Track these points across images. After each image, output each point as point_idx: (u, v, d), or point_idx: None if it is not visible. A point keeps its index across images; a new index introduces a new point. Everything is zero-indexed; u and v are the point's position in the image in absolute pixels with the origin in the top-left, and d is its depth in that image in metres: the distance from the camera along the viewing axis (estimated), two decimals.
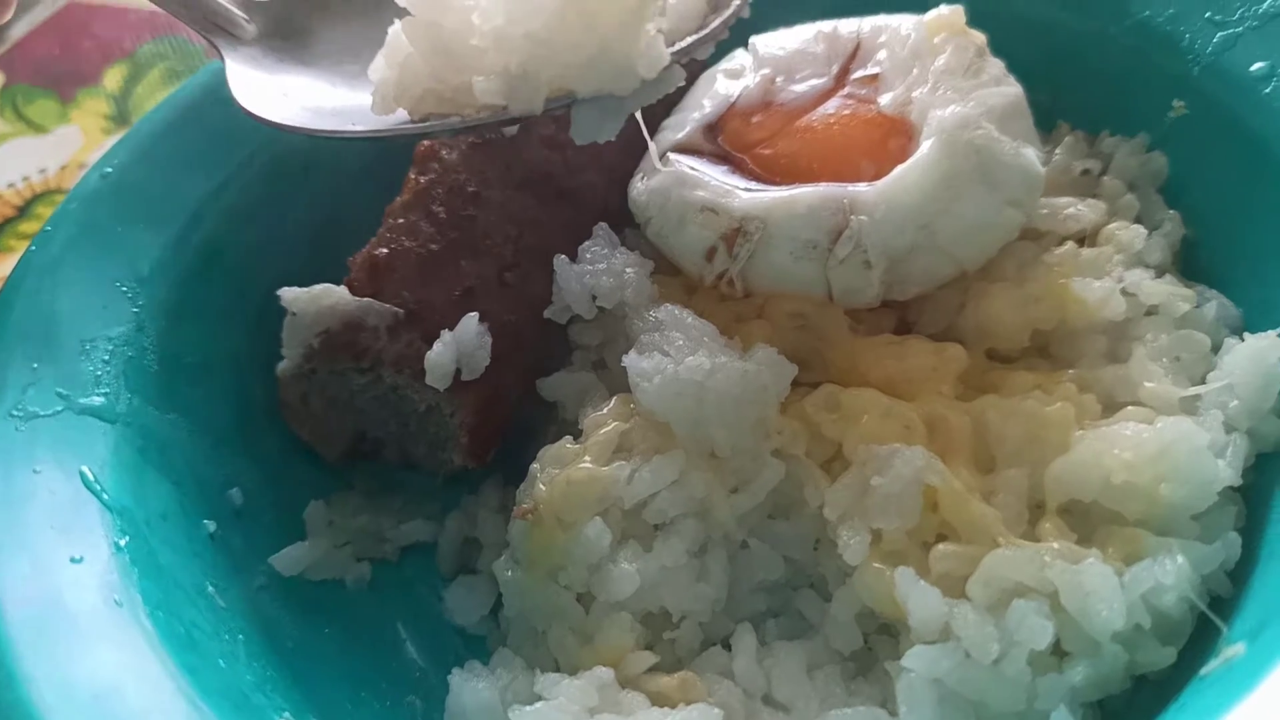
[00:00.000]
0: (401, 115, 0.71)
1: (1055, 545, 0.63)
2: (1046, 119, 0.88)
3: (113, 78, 1.43)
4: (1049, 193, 0.82)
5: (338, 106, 0.74)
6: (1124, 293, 0.74)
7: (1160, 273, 0.77)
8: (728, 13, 0.72)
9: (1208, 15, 0.80)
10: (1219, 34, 0.78)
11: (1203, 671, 0.56)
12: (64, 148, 1.34)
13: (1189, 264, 0.80)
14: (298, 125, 0.72)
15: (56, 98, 1.41)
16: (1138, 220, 0.81)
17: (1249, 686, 0.48)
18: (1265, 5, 0.77)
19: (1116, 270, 0.76)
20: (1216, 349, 0.72)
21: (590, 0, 0.64)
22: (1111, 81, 0.85)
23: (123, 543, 0.62)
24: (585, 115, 0.69)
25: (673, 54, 0.68)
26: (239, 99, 0.72)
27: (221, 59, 0.75)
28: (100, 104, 1.39)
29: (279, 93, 0.74)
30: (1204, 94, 0.79)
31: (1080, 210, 0.80)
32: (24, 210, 1.25)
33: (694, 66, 0.74)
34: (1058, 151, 0.86)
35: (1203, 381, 0.70)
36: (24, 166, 1.31)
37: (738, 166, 0.78)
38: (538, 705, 0.62)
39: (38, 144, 1.35)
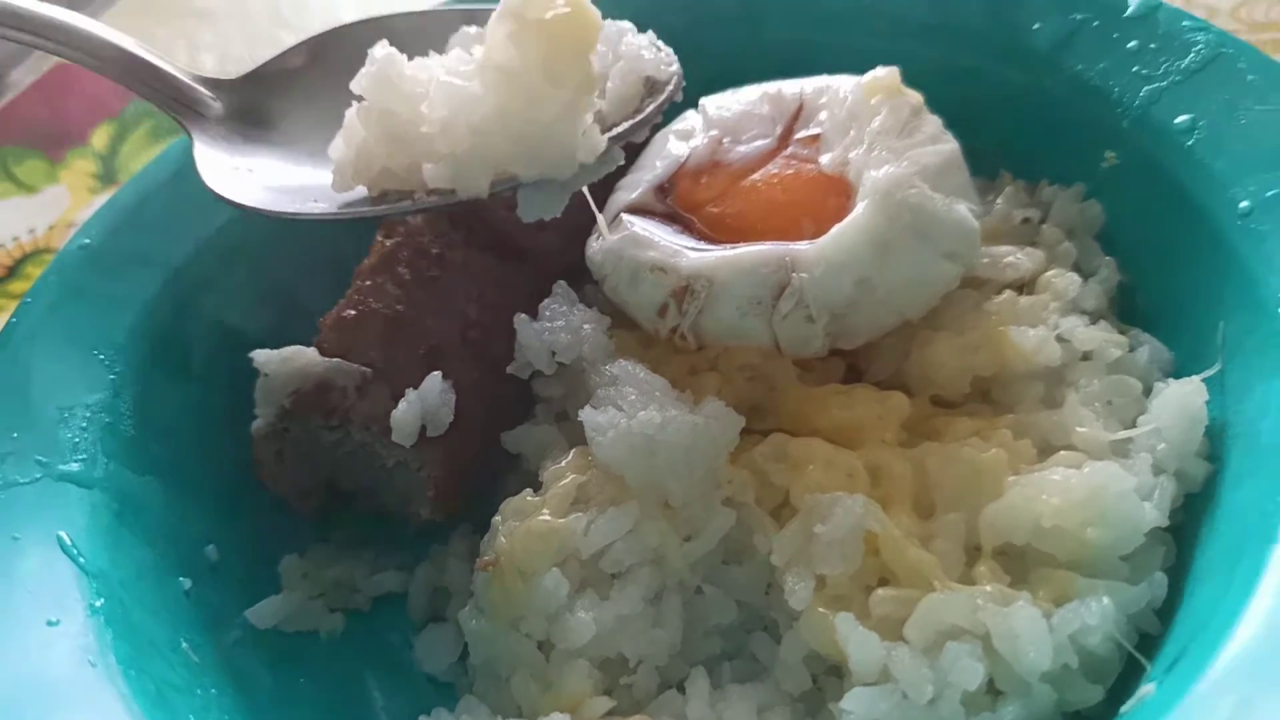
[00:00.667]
0: (360, 192, 0.75)
1: (988, 588, 0.66)
2: (990, 169, 0.92)
3: (100, 137, 1.47)
4: (991, 241, 0.86)
5: (301, 184, 0.77)
6: (1059, 339, 0.77)
7: (1096, 318, 0.80)
8: (661, 97, 0.76)
9: (1135, 69, 0.83)
10: (1146, 88, 0.82)
11: (1122, 710, 0.58)
12: (53, 207, 1.38)
13: (1125, 309, 0.83)
14: (260, 207, 0.75)
15: (45, 158, 1.45)
16: (1076, 267, 0.84)
17: None
18: (1188, 60, 0.80)
19: (1052, 317, 0.79)
20: (1149, 392, 0.75)
21: (529, 95, 0.67)
22: (1050, 133, 0.89)
23: (98, 604, 0.65)
24: (530, 197, 0.73)
25: (610, 139, 0.72)
26: (205, 178, 0.75)
27: (190, 138, 0.78)
28: (88, 163, 1.43)
29: (244, 171, 0.77)
30: (1133, 145, 0.82)
31: (1019, 259, 0.83)
32: (14, 270, 1.29)
33: (631, 146, 0.78)
34: (999, 201, 0.89)
35: (1134, 425, 0.73)
36: (14, 227, 1.35)
37: (687, 226, 0.81)
38: None
39: (27, 204, 1.39)
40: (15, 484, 0.69)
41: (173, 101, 0.79)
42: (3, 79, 1.81)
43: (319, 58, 0.84)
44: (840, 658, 0.66)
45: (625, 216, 0.83)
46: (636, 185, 0.86)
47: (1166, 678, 0.56)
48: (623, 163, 0.76)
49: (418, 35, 0.78)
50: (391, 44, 0.73)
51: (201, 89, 0.81)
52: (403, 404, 0.78)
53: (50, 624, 0.63)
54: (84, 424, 0.75)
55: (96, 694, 0.60)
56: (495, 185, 0.72)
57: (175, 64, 0.80)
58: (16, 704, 0.58)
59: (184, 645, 0.70)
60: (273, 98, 0.82)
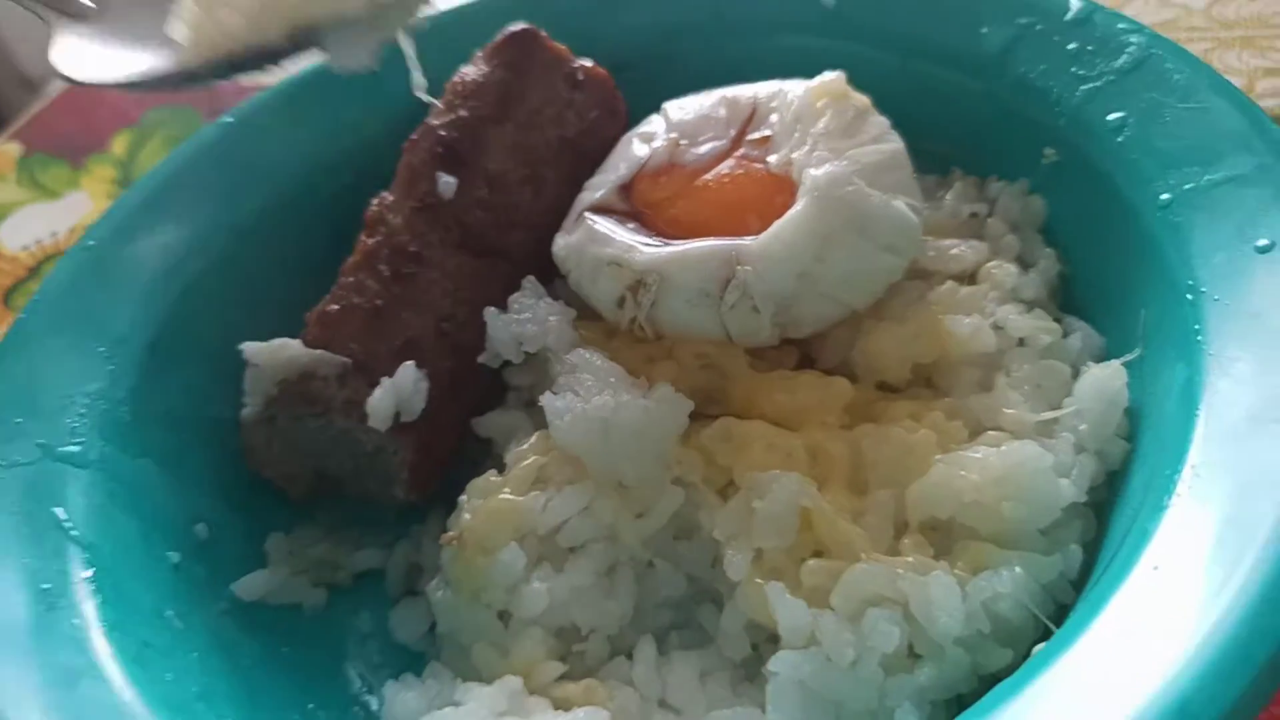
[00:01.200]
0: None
1: (910, 559, 0.70)
2: (942, 166, 0.96)
3: (120, 144, 1.55)
4: (940, 235, 0.90)
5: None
6: (994, 327, 0.81)
7: (1033, 307, 0.84)
8: None
9: (1073, 70, 0.87)
10: (1082, 87, 0.86)
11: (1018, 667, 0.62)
12: (73, 212, 1.45)
13: (1065, 297, 0.87)
14: (96, 80, 0.78)
15: (67, 165, 1.53)
16: (1018, 258, 0.88)
17: (1029, 680, 0.55)
18: (1120, 61, 0.84)
19: (990, 306, 0.83)
20: (1078, 376, 0.79)
21: None
22: (997, 132, 0.93)
23: (88, 574, 0.72)
24: (337, 45, 0.74)
25: None
26: (59, 67, 0.78)
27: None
28: (108, 170, 1.51)
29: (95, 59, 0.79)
30: (1070, 142, 0.86)
31: (963, 251, 0.88)
32: (35, 270, 1.36)
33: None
34: (948, 197, 0.93)
35: (1060, 407, 0.77)
36: (36, 230, 1.43)
37: (645, 224, 0.86)
38: (448, 709, 0.70)
39: (49, 209, 1.47)
40: (17, 464, 0.76)
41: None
42: (39, 89, 1.90)
43: None
44: (772, 625, 0.71)
45: (588, 215, 0.88)
46: (601, 185, 0.91)
47: (1055, 637, 0.60)
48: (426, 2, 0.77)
49: None
50: None
51: None
52: (378, 392, 0.84)
53: (42, 589, 0.69)
54: (83, 410, 0.81)
55: (79, 648, 0.66)
56: (297, 37, 0.73)
57: None
58: (8, 651, 0.64)
59: (169, 613, 0.75)
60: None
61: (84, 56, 0.79)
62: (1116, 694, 0.51)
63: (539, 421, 0.87)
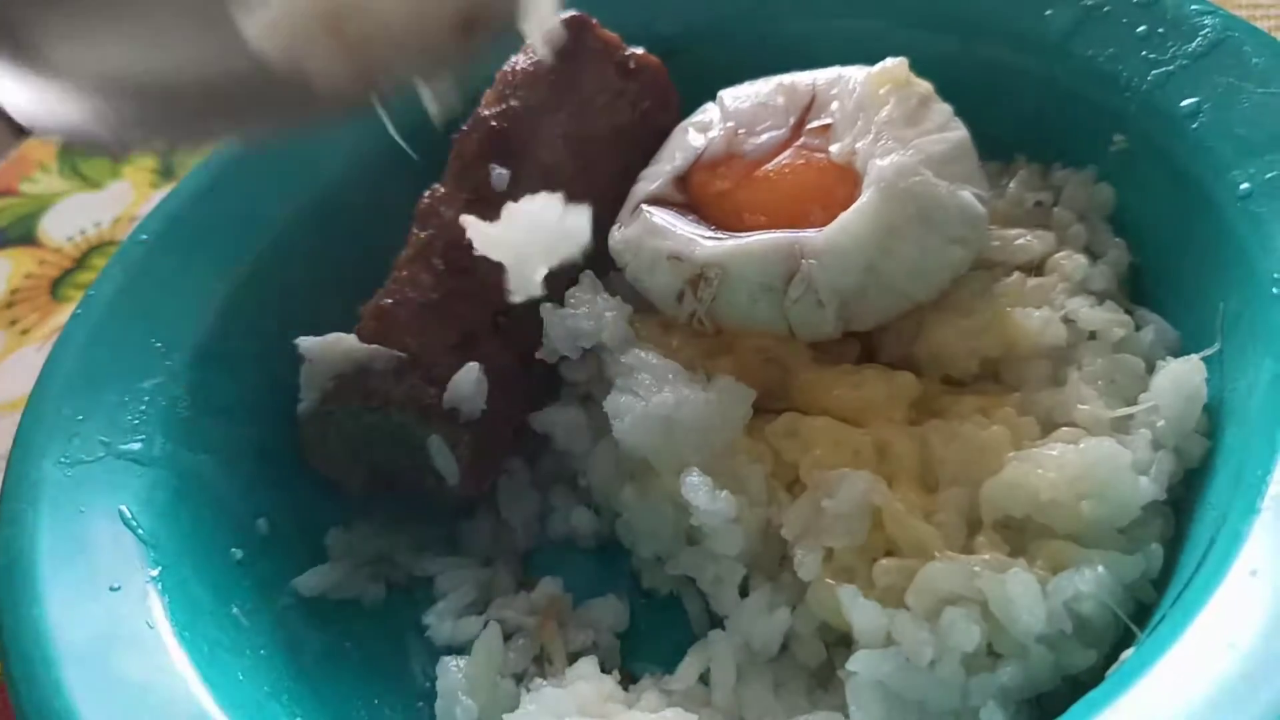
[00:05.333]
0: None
1: (986, 557, 0.69)
2: (1005, 153, 0.94)
3: None
4: (1004, 224, 0.88)
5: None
6: (1065, 320, 0.80)
7: (1103, 299, 0.82)
8: None
9: (1143, 54, 0.85)
10: (1153, 72, 0.83)
11: (1107, 672, 0.61)
12: (116, 202, 1.45)
13: (1135, 289, 0.85)
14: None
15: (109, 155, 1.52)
16: (1086, 249, 0.86)
17: (1124, 688, 0.54)
18: (1194, 44, 0.82)
19: (1059, 299, 0.81)
20: (1153, 370, 0.77)
21: None
22: (1062, 118, 0.90)
23: (155, 573, 0.71)
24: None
25: None
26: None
27: None
28: (148, 159, 1.50)
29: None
30: (1141, 129, 0.84)
31: (1029, 241, 0.86)
32: (80, 262, 1.36)
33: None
34: (1012, 185, 0.91)
35: (1136, 402, 0.75)
36: (80, 221, 1.43)
37: (703, 215, 0.85)
38: (528, 709, 0.70)
39: (92, 199, 1.46)
40: (81, 461, 0.75)
41: None
42: None
43: None
44: (846, 627, 0.70)
45: (645, 207, 0.87)
46: (656, 176, 0.89)
47: (1146, 641, 0.59)
48: None
49: None
50: None
51: None
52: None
53: (113, 589, 0.69)
54: (143, 407, 0.81)
55: (153, 651, 0.66)
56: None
57: None
58: (83, 661, 0.64)
59: (235, 610, 0.75)
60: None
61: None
62: (1222, 706, 0.50)
63: (596, 417, 0.87)
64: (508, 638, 0.81)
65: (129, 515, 0.74)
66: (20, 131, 0.74)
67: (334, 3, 0.62)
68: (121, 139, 0.66)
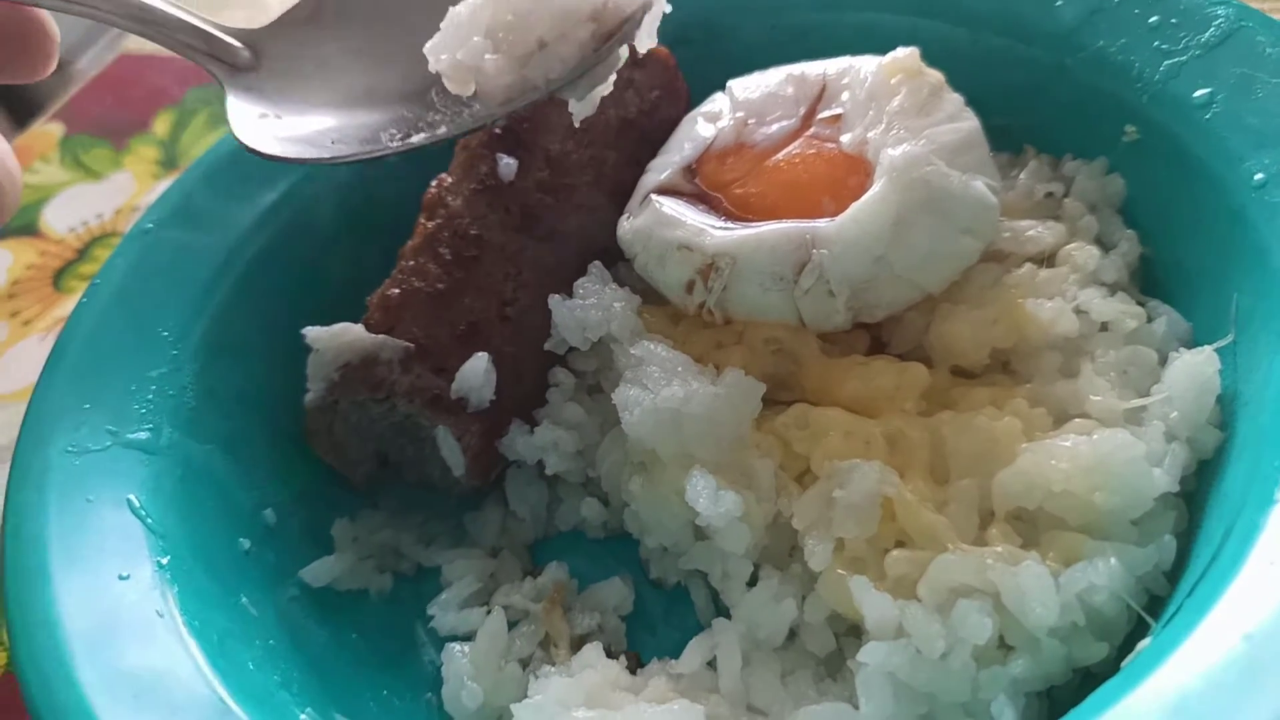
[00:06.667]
0: (382, 138, 0.79)
1: (998, 549, 0.68)
2: (1014, 144, 0.94)
3: (162, 124, 1.54)
4: (1015, 215, 0.88)
5: (324, 128, 0.80)
6: (1077, 311, 0.79)
7: (1115, 290, 0.82)
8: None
9: (1156, 45, 0.84)
10: (1165, 62, 0.83)
11: (1122, 664, 0.61)
12: (118, 193, 1.45)
13: (1147, 281, 0.85)
14: (283, 155, 0.77)
15: (110, 145, 1.52)
16: (1098, 240, 0.86)
17: (1139, 680, 0.54)
18: (1207, 34, 0.81)
19: (1071, 290, 0.81)
20: (1165, 362, 0.77)
21: None
22: (1073, 108, 0.90)
23: (164, 561, 0.71)
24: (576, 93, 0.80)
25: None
26: (234, 129, 0.78)
27: (222, 88, 0.80)
28: (150, 150, 1.50)
29: (271, 118, 0.79)
30: (1153, 120, 0.83)
31: (1040, 232, 0.85)
32: (83, 253, 1.36)
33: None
34: (1022, 176, 0.91)
35: (1149, 394, 0.75)
36: (82, 212, 1.42)
37: (713, 205, 0.85)
38: (535, 698, 0.69)
39: (94, 190, 1.46)
40: (88, 450, 0.75)
41: (203, 54, 0.79)
42: (68, 68, 1.89)
43: (331, 3, 0.86)
44: (857, 617, 0.70)
45: (654, 197, 0.86)
46: (666, 167, 0.89)
47: (1162, 633, 0.58)
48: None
49: None
50: None
51: (229, 39, 0.81)
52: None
53: (121, 578, 0.69)
54: (149, 396, 0.81)
55: (163, 639, 0.66)
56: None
57: (202, 16, 0.80)
58: (94, 648, 0.64)
59: (243, 600, 0.75)
60: (296, 44, 0.83)
61: (254, 120, 0.79)
62: (1237, 697, 0.49)
63: (603, 407, 0.86)
64: (514, 624, 0.80)
65: (137, 504, 0.74)
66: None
67: (495, 23, 0.75)
68: (337, 153, 0.78)
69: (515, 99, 0.77)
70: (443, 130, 0.79)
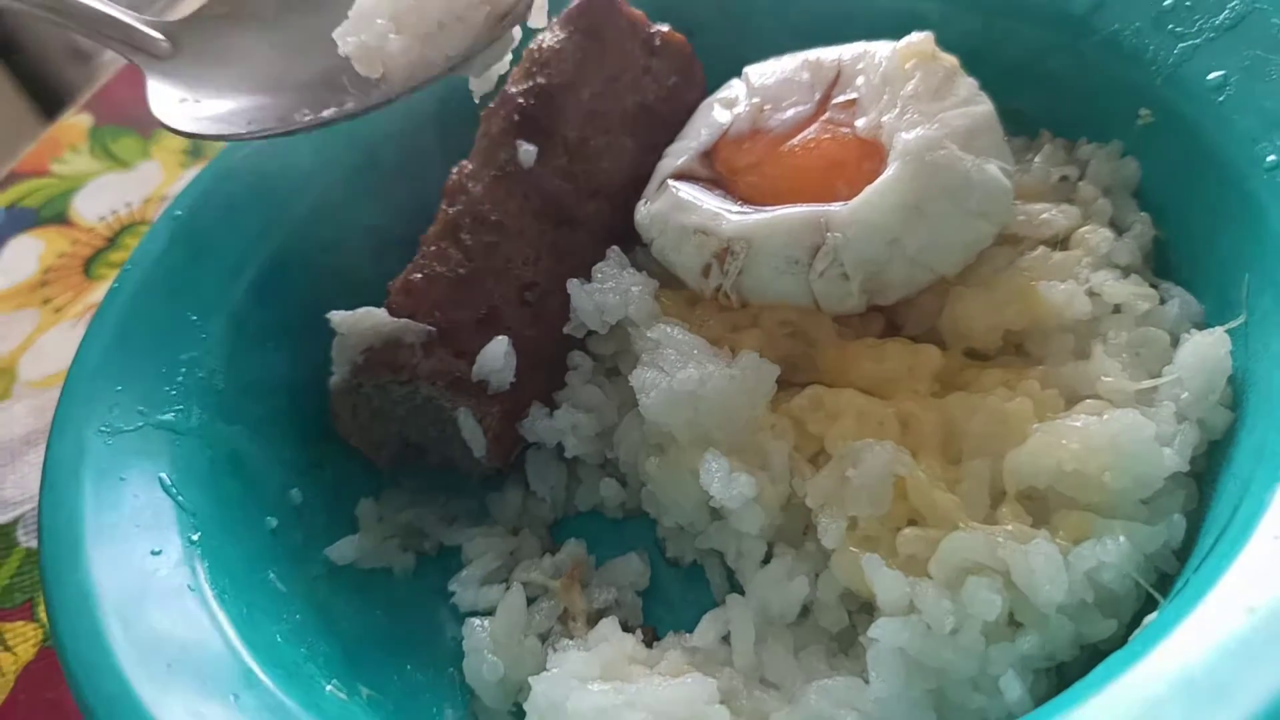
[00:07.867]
0: (294, 119, 0.84)
1: (1009, 528, 0.69)
2: (1030, 127, 0.95)
3: None
4: (1029, 199, 0.88)
5: (239, 108, 0.86)
6: (1090, 293, 0.80)
7: (1128, 273, 0.83)
8: None
9: (1170, 28, 0.84)
10: (1179, 45, 0.83)
11: (1129, 638, 0.62)
12: (146, 182, 1.47)
13: (1160, 263, 0.85)
14: (198, 132, 0.84)
15: (138, 135, 1.55)
16: (1112, 223, 0.87)
17: (1143, 652, 0.55)
18: (1221, 17, 0.81)
19: (1084, 272, 0.82)
20: (1177, 343, 0.77)
21: None
22: (1088, 92, 0.91)
23: (195, 538, 0.73)
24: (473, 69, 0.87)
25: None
26: (154, 110, 0.84)
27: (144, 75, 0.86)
28: (177, 140, 1.52)
29: (190, 102, 0.85)
30: (1167, 103, 0.84)
31: (1054, 215, 0.86)
32: (113, 241, 1.38)
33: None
34: (1037, 159, 0.91)
35: (1160, 375, 0.75)
36: (111, 201, 1.45)
37: (729, 190, 0.86)
38: (551, 670, 0.71)
39: (123, 179, 1.49)
40: (120, 431, 0.77)
41: (125, 45, 0.87)
42: (92, 60, 1.92)
43: None
44: (868, 595, 0.71)
45: (671, 182, 0.88)
46: (682, 152, 0.90)
47: (1168, 607, 0.59)
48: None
49: None
50: None
51: (148, 30, 0.88)
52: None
53: (154, 553, 0.71)
54: (179, 378, 0.83)
55: (194, 613, 0.68)
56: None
57: (120, 8, 0.87)
58: (128, 621, 0.66)
59: (271, 576, 0.77)
60: (212, 36, 0.90)
61: (174, 104, 0.85)
62: (1239, 668, 0.50)
63: (620, 390, 0.88)
64: (533, 600, 0.82)
65: (168, 483, 0.76)
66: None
67: (397, 7, 0.80)
68: (255, 130, 0.84)
69: (418, 76, 0.83)
70: (350, 105, 0.84)
